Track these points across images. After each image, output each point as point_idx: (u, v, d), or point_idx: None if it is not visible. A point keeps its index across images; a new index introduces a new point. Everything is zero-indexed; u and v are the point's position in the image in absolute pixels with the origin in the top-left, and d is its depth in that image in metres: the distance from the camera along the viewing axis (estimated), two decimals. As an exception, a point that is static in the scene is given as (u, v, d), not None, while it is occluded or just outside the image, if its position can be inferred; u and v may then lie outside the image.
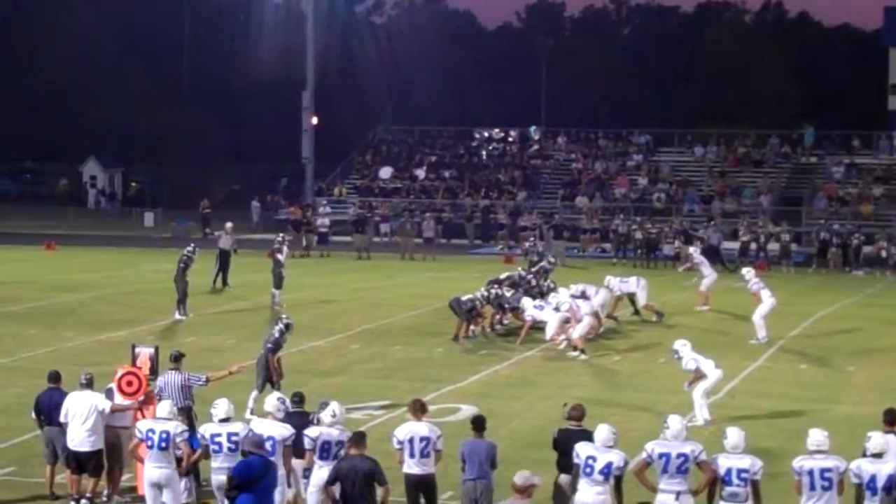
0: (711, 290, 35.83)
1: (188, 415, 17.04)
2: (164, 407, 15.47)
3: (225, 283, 38.49)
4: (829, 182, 59.72)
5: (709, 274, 36.28)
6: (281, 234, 38.25)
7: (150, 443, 15.03)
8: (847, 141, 64.17)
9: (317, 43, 65.85)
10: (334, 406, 14.98)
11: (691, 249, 40.01)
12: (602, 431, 14.16)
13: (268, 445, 14.66)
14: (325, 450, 14.73)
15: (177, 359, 17.85)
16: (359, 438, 14.32)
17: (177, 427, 15.12)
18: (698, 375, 21.65)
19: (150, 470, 15.09)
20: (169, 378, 17.57)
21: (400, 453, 14.92)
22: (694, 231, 49.68)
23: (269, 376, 20.98)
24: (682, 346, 21.95)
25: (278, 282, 34.47)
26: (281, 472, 14.77)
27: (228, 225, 40.44)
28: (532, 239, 46.88)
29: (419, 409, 15.23)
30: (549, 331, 28.39)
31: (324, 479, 14.51)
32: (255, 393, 21.03)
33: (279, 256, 34.89)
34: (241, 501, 13.53)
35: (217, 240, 40.38)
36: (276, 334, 21.44)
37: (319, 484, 14.66)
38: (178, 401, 16.82)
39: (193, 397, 17.59)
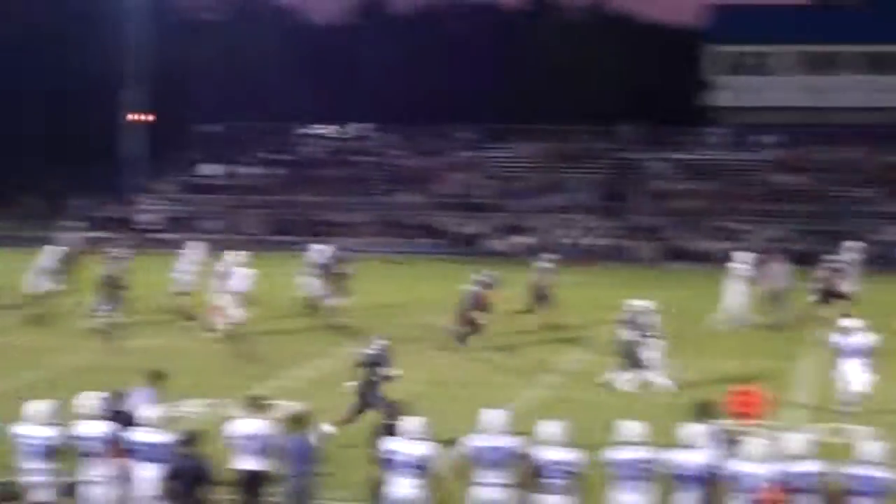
0: None
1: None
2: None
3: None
4: (650, 178, 61.01)
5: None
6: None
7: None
8: (666, 137, 65.58)
9: (139, 40, 64.91)
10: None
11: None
12: (410, 423, 14.43)
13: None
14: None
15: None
16: (191, 437, 14.42)
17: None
18: None
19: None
20: None
21: (231, 449, 15.05)
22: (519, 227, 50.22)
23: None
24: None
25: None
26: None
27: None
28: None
29: (256, 407, 15.37)
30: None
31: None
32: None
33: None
34: None
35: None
36: None
37: None
38: None
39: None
